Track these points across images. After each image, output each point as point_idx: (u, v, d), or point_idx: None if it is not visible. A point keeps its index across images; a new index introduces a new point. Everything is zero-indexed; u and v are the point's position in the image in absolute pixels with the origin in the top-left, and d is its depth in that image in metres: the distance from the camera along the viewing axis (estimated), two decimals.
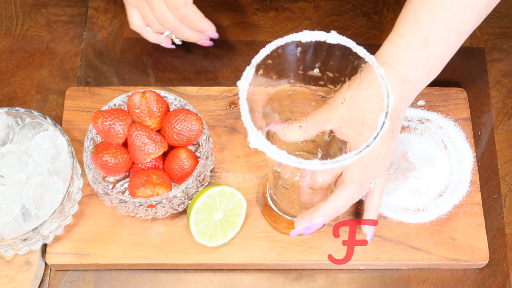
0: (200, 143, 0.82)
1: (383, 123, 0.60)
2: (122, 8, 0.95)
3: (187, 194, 0.78)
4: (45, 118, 0.80)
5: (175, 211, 0.80)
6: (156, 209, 0.78)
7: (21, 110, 0.80)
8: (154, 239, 0.81)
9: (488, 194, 0.86)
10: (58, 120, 0.88)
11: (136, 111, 0.79)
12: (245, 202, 0.80)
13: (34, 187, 0.76)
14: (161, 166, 0.80)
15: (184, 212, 0.82)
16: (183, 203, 0.79)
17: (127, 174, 0.82)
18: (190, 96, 0.89)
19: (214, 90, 0.89)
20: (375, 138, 0.59)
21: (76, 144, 0.85)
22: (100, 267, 0.81)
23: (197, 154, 0.82)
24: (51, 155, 0.79)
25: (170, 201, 0.77)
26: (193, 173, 0.77)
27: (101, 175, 0.80)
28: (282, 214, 0.81)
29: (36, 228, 0.74)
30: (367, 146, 0.59)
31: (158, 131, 0.80)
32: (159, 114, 0.79)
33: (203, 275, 0.82)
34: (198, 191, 0.79)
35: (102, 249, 0.81)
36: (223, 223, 0.79)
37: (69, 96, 0.88)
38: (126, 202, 0.77)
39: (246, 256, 0.81)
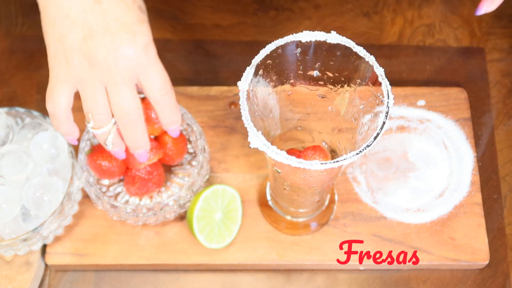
0: (196, 153, 0.82)
1: (383, 123, 0.60)
2: None
3: (179, 204, 0.78)
4: (45, 118, 0.79)
5: (165, 219, 0.80)
6: (146, 216, 0.78)
7: (21, 110, 0.80)
8: (154, 239, 0.81)
9: (489, 194, 0.86)
10: None
11: None
12: (237, 193, 0.80)
13: (34, 187, 0.76)
14: (155, 172, 0.79)
15: (183, 213, 0.82)
16: (174, 211, 0.79)
17: (121, 178, 0.81)
18: (190, 96, 0.89)
19: (214, 90, 0.89)
20: (375, 138, 0.59)
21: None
22: (100, 268, 0.81)
23: (193, 163, 0.81)
24: (51, 155, 0.79)
25: (161, 209, 0.77)
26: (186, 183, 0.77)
27: (95, 178, 0.79)
28: (282, 214, 0.81)
29: (36, 228, 0.74)
30: (367, 146, 0.59)
31: (156, 138, 0.79)
32: (157, 121, 0.76)
33: (203, 276, 0.82)
34: (189, 200, 0.79)
35: (102, 250, 0.81)
36: (224, 221, 0.79)
37: None
38: (116, 207, 0.76)
39: (246, 256, 0.81)
